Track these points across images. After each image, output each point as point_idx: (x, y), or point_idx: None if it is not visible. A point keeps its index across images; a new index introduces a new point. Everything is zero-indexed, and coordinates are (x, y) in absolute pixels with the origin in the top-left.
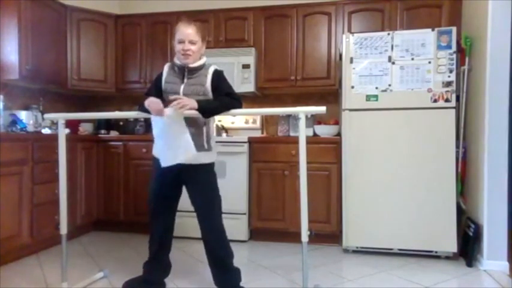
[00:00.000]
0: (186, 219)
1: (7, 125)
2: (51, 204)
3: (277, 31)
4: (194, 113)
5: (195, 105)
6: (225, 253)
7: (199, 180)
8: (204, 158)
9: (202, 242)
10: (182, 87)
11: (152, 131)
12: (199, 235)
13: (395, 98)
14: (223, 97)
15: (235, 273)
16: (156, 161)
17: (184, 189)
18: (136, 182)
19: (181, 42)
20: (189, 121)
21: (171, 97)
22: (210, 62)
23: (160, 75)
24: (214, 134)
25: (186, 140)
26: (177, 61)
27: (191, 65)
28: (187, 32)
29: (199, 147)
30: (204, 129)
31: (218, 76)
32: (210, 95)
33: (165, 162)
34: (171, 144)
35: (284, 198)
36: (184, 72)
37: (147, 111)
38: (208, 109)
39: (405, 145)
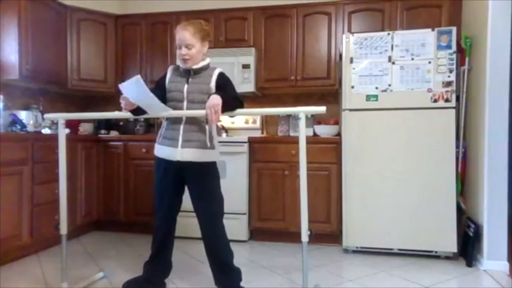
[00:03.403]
0: (187, 219)
1: (7, 125)
2: (51, 204)
3: (277, 31)
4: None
5: (220, 101)
6: (225, 254)
7: (201, 179)
8: (206, 156)
9: (203, 243)
10: (186, 86)
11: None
12: (200, 235)
13: (395, 98)
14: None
15: (236, 273)
16: (158, 161)
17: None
18: (137, 182)
19: (179, 47)
20: (190, 118)
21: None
22: (210, 62)
23: (164, 76)
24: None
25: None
26: (180, 64)
27: (195, 67)
28: (182, 36)
29: (202, 143)
30: (207, 127)
31: (223, 78)
32: None
33: None
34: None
35: (284, 198)
36: (189, 73)
37: (142, 111)
38: (225, 106)
39: (405, 145)
